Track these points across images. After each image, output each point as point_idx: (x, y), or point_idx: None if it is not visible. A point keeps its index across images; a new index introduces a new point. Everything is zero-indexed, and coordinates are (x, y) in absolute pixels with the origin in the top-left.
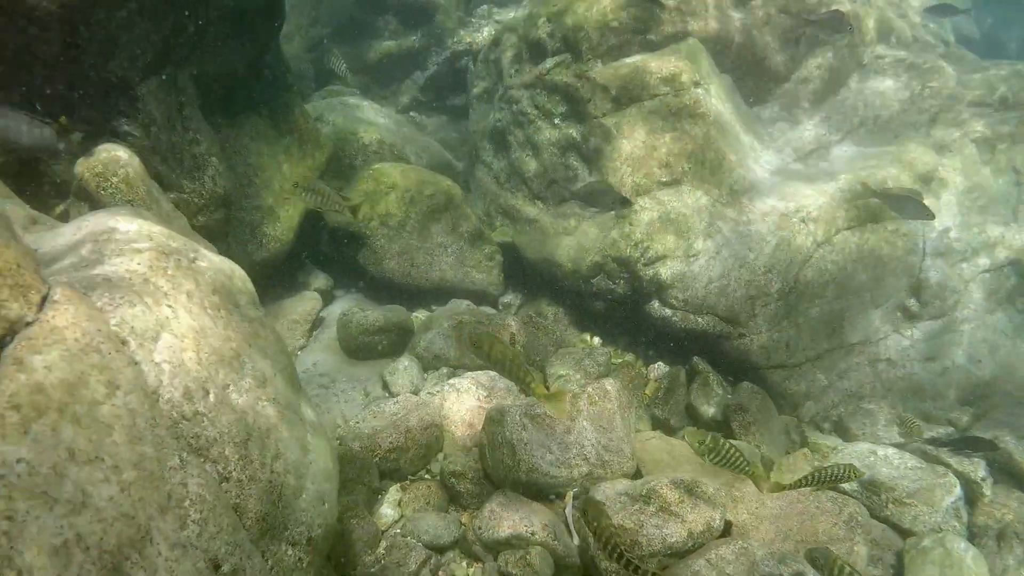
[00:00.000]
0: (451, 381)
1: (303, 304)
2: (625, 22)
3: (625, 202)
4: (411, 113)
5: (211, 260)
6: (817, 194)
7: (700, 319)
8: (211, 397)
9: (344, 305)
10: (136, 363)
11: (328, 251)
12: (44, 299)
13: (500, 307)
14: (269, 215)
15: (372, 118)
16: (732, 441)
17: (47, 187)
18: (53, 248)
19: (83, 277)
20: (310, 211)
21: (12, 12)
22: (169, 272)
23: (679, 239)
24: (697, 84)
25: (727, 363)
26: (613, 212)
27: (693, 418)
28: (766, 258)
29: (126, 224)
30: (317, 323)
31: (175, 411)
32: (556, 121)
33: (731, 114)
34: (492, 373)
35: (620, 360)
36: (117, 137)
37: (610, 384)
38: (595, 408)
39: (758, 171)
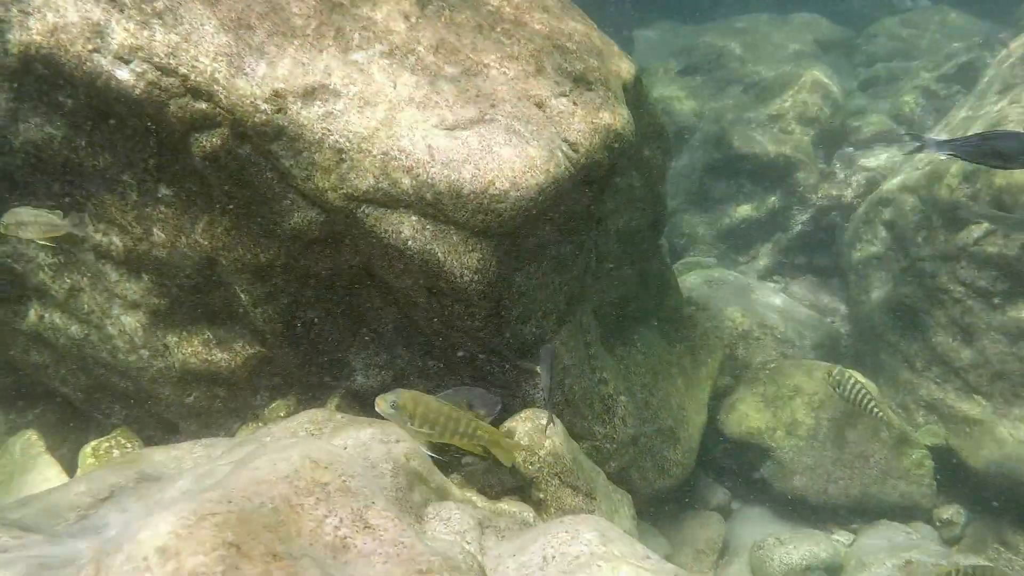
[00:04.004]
0: None
1: (706, 529)
2: None
3: None
4: (774, 277)
5: None
6: None
7: None
8: None
9: (749, 527)
10: None
11: (724, 461)
12: None
13: (937, 524)
14: (669, 438)
15: (744, 296)
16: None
17: (451, 449)
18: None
19: None
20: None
21: (440, 292)
22: None
23: None
24: None
25: None
26: None
27: None
28: None
29: (608, 568)
30: (723, 549)
31: None
32: (996, 301)
33: None
34: None
35: None
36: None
37: None
38: None
39: None
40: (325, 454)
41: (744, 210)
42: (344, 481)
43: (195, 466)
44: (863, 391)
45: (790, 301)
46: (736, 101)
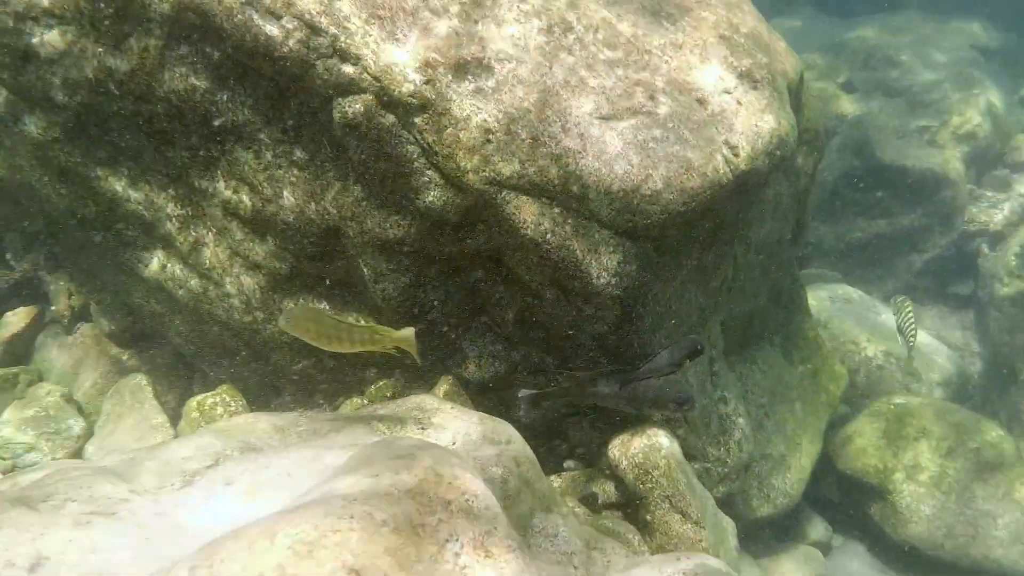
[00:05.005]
0: None
1: (806, 566)
2: None
3: None
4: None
5: None
6: None
7: None
8: None
9: (850, 569)
10: None
11: (831, 494)
12: None
13: None
14: (779, 465)
15: (869, 319)
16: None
17: (564, 447)
18: None
19: None
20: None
21: (572, 291)
22: None
23: None
24: None
25: None
26: None
27: None
28: None
29: None
30: None
31: None
32: None
33: None
34: None
35: None
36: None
37: None
38: None
39: None
40: (449, 467)
41: (879, 225)
42: (467, 501)
43: (301, 444)
44: (915, 328)
45: (918, 331)
46: (883, 107)
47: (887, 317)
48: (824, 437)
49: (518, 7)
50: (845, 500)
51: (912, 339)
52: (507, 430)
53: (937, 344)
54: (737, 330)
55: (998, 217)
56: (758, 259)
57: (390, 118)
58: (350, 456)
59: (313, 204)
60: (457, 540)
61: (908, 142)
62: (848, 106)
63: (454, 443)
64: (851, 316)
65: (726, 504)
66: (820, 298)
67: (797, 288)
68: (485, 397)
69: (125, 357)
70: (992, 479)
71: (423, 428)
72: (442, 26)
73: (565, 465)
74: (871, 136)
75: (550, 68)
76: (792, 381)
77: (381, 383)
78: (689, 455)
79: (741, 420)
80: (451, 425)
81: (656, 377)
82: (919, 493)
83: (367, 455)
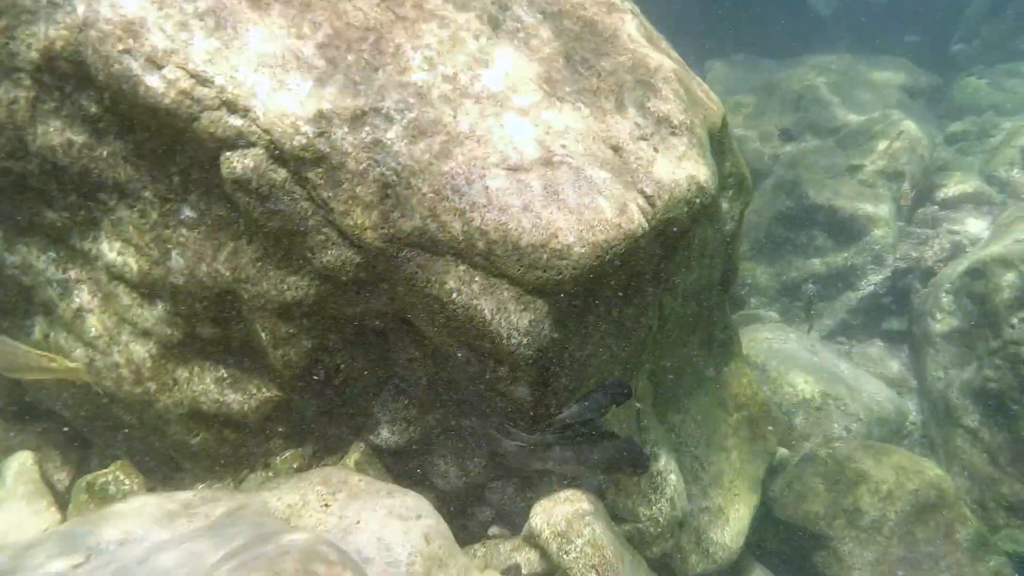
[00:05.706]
0: None
1: None
2: None
3: None
4: (838, 339)
5: None
6: None
7: None
8: None
9: None
10: None
11: (774, 545)
12: None
13: None
14: (717, 517)
15: (807, 360)
16: None
17: (487, 512)
18: None
19: None
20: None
21: (483, 352)
22: None
23: None
24: None
25: None
26: None
27: None
28: None
29: None
30: None
31: None
32: None
33: None
34: None
35: None
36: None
37: None
38: None
39: None
40: (324, 568)
41: (813, 264)
42: None
43: (187, 535)
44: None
45: (856, 369)
46: (815, 146)
47: (825, 357)
48: (763, 485)
49: (422, 54)
50: (787, 549)
51: (811, 318)
52: (418, 503)
53: (875, 383)
54: (668, 380)
55: (928, 253)
56: (686, 307)
57: (282, 173)
58: (224, 555)
59: (204, 266)
60: None
61: (839, 182)
62: (770, 147)
63: (358, 522)
64: (789, 357)
65: (661, 565)
66: (757, 339)
67: (730, 334)
68: (402, 463)
69: (12, 434)
70: (932, 520)
71: (327, 505)
72: (339, 74)
73: (489, 532)
74: (803, 176)
75: (455, 117)
76: (728, 429)
77: (288, 453)
78: (618, 517)
79: (672, 476)
80: (356, 502)
81: (579, 423)
82: (861, 539)
83: (238, 557)
